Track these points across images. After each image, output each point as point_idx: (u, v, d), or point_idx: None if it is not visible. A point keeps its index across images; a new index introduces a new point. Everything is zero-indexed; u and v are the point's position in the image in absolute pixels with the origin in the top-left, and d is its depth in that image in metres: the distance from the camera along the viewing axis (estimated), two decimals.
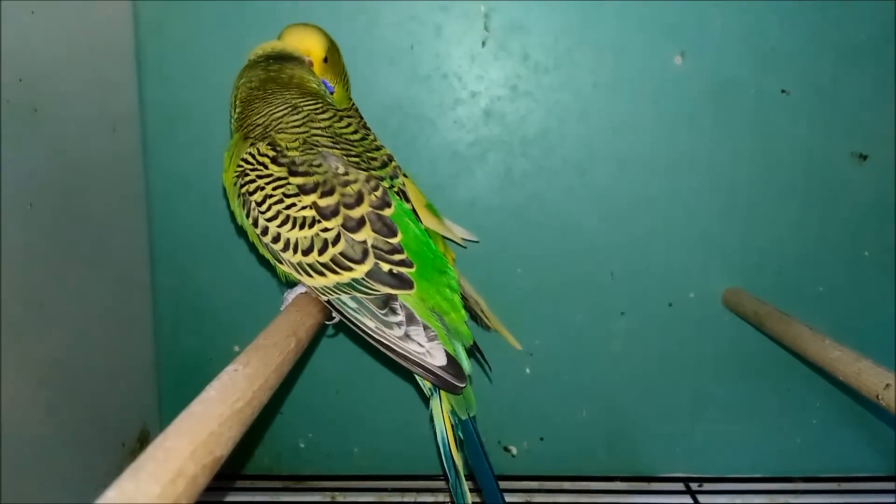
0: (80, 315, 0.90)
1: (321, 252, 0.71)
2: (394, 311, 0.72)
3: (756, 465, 1.17)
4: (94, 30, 0.95)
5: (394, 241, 0.72)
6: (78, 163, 0.89)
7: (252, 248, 0.94)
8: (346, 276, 0.71)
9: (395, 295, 0.72)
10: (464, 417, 0.77)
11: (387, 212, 0.73)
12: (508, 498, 1.10)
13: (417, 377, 0.78)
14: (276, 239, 0.73)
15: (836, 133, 1.08)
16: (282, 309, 0.76)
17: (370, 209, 0.72)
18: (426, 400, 0.83)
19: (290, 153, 0.73)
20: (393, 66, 1.07)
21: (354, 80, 0.98)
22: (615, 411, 1.16)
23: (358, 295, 0.72)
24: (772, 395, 1.15)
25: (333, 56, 0.91)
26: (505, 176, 1.10)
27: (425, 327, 0.72)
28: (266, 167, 0.73)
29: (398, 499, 1.12)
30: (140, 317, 1.09)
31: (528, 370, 1.15)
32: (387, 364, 1.12)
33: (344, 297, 0.73)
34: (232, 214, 0.81)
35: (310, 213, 0.71)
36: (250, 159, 0.74)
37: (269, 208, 0.72)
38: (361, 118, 0.97)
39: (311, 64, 0.87)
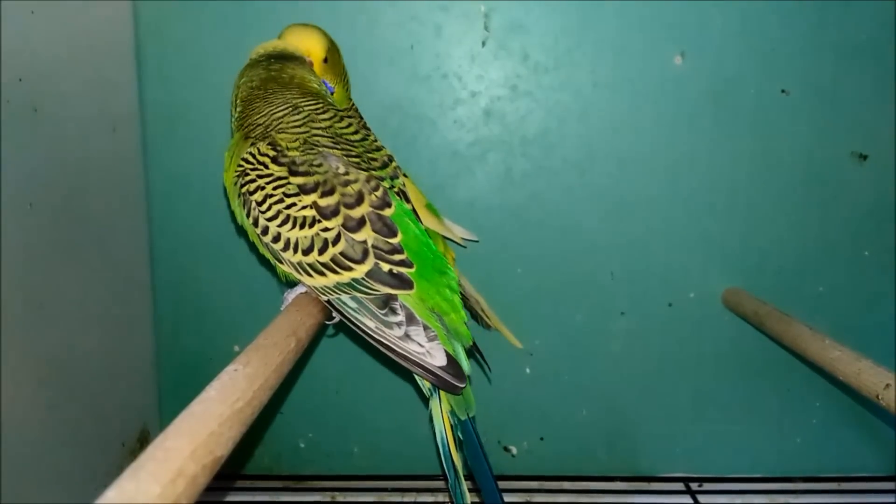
0: (80, 315, 0.90)
1: (321, 252, 0.71)
2: (394, 311, 0.72)
3: (756, 465, 1.17)
4: (94, 30, 0.95)
5: (394, 241, 0.72)
6: (78, 163, 0.89)
7: (252, 247, 0.94)
8: (346, 276, 0.71)
9: (395, 295, 0.72)
10: (463, 418, 0.77)
11: (387, 212, 0.73)
12: (508, 498, 1.10)
13: (417, 377, 0.78)
14: (277, 238, 0.73)
15: (836, 133, 1.08)
16: (282, 309, 0.76)
17: (370, 209, 0.72)
18: (426, 400, 0.83)
19: (290, 153, 0.73)
20: (393, 66, 1.07)
21: (354, 80, 0.98)
22: (615, 411, 1.16)
23: (358, 295, 0.72)
24: (772, 395, 1.15)
25: (333, 56, 0.91)
26: (505, 176, 1.10)
27: (425, 327, 0.72)
28: (266, 167, 0.73)
29: (398, 499, 1.12)
30: (140, 317, 1.09)
31: (528, 370, 1.15)
32: (387, 364, 1.12)
33: (344, 297, 0.73)
34: (232, 214, 0.82)
35: (310, 212, 0.71)
36: (251, 159, 0.74)
37: (269, 208, 0.72)
38: (361, 118, 0.97)
39: (311, 64, 0.87)
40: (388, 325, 0.71)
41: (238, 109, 0.81)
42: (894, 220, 1.10)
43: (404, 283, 0.71)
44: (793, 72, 1.07)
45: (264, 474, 1.16)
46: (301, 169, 0.72)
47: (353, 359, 1.12)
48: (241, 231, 0.88)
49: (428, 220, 0.92)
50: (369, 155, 0.78)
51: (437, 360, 0.71)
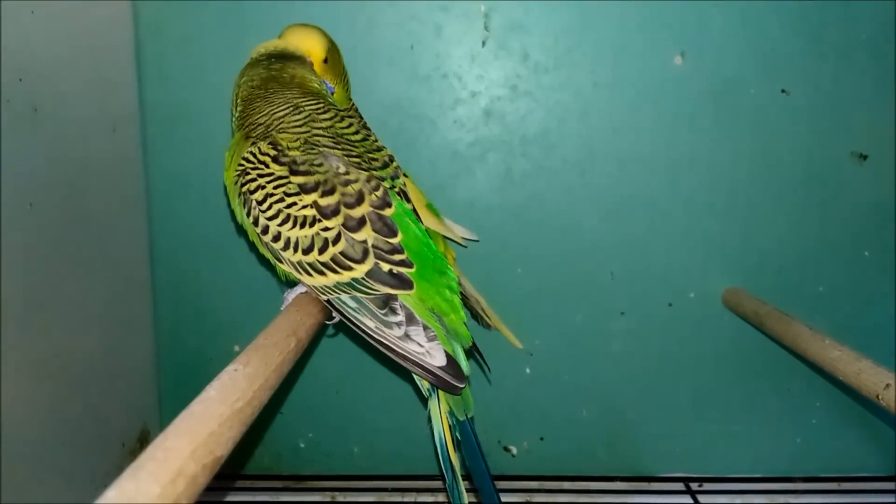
0: (80, 315, 0.90)
1: (321, 251, 0.71)
2: (393, 311, 0.72)
3: (756, 465, 1.17)
4: (94, 30, 0.95)
5: (394, 241, 0.72)
6: (78, 163, 0.89)
7: (252, 247, 0.94)
8: (346, 276, 0.71)
9: (395, 295, 0.72)
10: (461, 418, 0.77)
11: (387, 212, 0.73)
12: (508, 498, 1.10)
13: (416, 377, 0.78)
14: (277, 238, 0.73)
15: (836, 133, 1.08)
16: (282, 309, 0.76)
17: (371, 209, 0.72)
18: (425, 401, 0.83)
19: (291, 152, 0.73)
20: (393, 66, 1.07)
21: (354, 80, 0.98)
22: (615, 411, 1.15)
23: (358, 294, 0.72)
24: (772, 395, 1.15)
25: (334, 57, 0.91)
26: (505, 176, 1.10)
27: (425, 327, 0.72)
28: (267, 166, 0.73)
29: (398, 499, 1.12)
30: (140, 317, 1.09)
31: (528, 370, 1.15)
32: (387, 364, 1.12)
33: (344, 297, 0.73)
34: (232, 213, 0.82)
35: (310, 212, 0.71)
36: (251, 158, 0.74)
37: (269, 207, 0.72)
38: (362, 118, 0.97)
39: (311, 64, 0.87)
40: (388, 324, 0.71)
41: (239, 109, 0.81)
42: (894, 220, 1.10)
43: (404, 283, 0.71)
44: (793, 72, 1.07)
45: (264, 474, 1.16)
46: (302, 168, 0.72)
47: (353, 359, 1.12)
48: (241, 231, 0.88)
49: (428, 220, 0.92)
50: (370, 155, 0.78)
51: (437, 360, 0.71)
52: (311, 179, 0.71)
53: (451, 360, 0.72)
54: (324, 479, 1.16)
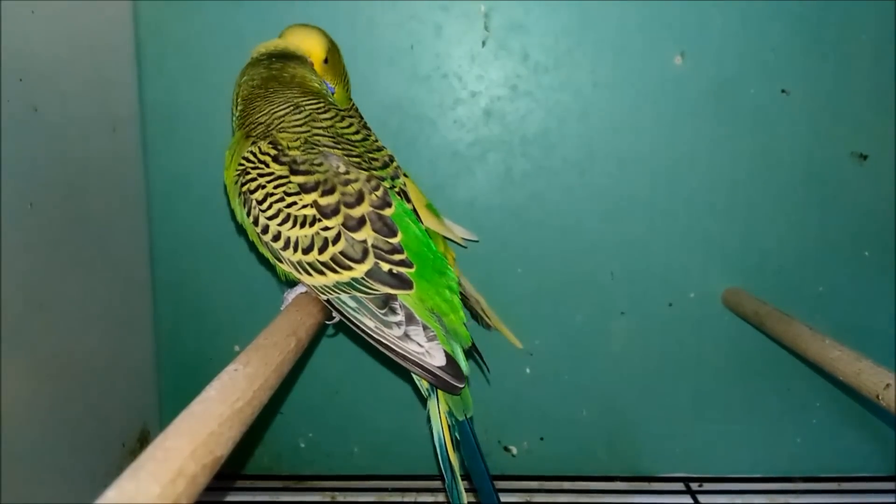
0: (80, 315, 0.90)
1: (321, 251, 0.71)
2: (393, 311, 0.72)
3: (756, 465, 1.17)
4: (94, 30, 0.95)
5: (394, 240, 0.72)
6: (78, 163, 0.89)
7: (252, 247, 0.94)
8: (345, 276, 0.71)
9: (395, 295, 0.72)
10: (461, 418, 0.77)
11: (387, 211, 0.73)
12: (508, 498, 1.10)
13: (415, 377, 0.78)
14: (277, 237, 0.73)
15: (836, 133, 1.08)
16: (282, 309, 0.76)
17: (371, 209, 0.72)
18: (424, 400, 0.83)
19: (291, 152, 0.73)
20: (393, 66, 1.07)
21: (354, 80, 0.98)
22: (615, 411, 1.15)
23: (357, 294, 0.72)
24: (772, 395, 1.15)
25: (334, 57, 0.91)
26: (505, 176, 1.10)
27: (424, 327, 0.72)
28: (267, 165, 0.73)
29: (398, 499, 1.12)
30: (140, 317, 1.09)
31: (528, 370, 1.15)
32: (386, 364, 1.12)
33: (343, 297, 0.73)
34: (232, 213, 0.82)
35: (310, 211, 0.71)
36: (251, 158, 0.74)
37: (269, 206, 0.72)
38: (362, 118, 0.97)
39: (311, 64, 0.87)
40: (388, 324, 0.71)
41: (239, 108, 0.81)
42: (894, 220, 1.10)
43: (404, 282, 0.71)
44: (793, 72, 1.07)
45: (264, 474, 1.16)
46: (302, 168, 0.72)
47: (353, 359, 1.12)
48: (241, 230, 0.88)
49: (428, 220, 0.92)
50: (370, 155, 0.78)
51: (436, 360, 0.71)
52: (311, 179, 0.71)
53: (451, 360, 0.72)
54: (324, 479, 1.16)
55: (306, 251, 0.71)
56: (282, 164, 0.72)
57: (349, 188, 0.72)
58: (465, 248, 1.09)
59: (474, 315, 1.03)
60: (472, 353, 0.83)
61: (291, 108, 0.77)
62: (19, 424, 0.75)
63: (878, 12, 1.05)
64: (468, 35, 1.07)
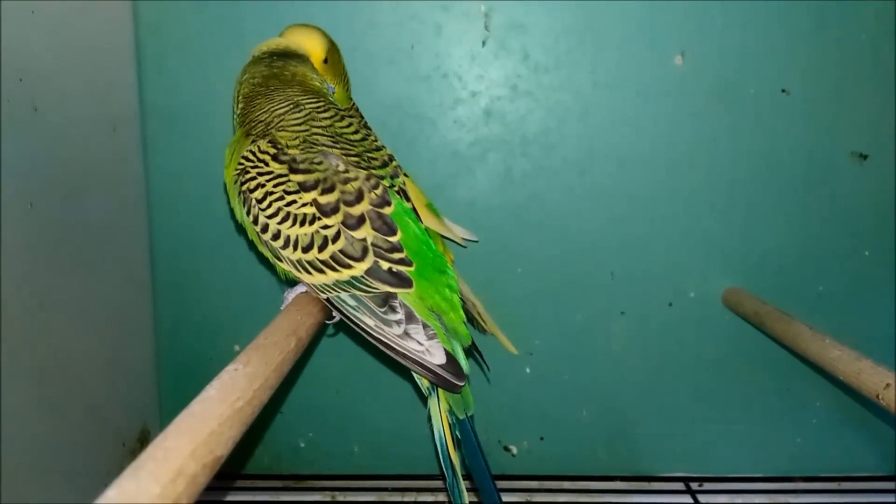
0: (80, 315, 0.90)
1: (321, 249, 0.71)
2: (393, 310, 0.72)
3: (756, 465, 1.16)
4: (94, 30, 0.95)
5: (393, 239, 0.72)
6: (78, 163, 0.89)
7: (252, 246, 0.94)
8: (345, 274, 0.71)
9: (395, 293, 0.72)
10: (461, 417, 0.77)
11: (387, 210, 0.73)
12: (509, 497, 1.10)
13: (416, 376, 0.78)
14: (276, 236, 0.73)
15: (836, 133, 1.08)
16: (282, 308, 0.76)
17: (370, 207, 0.72)
18: (425, 399, 0.83)
19: (290, 151, 0.73)
20: (393, 66, 1.07)
21: (354, 80, 0.98)
22: (615, 411, 1.15)
23: (357, 293, 0.72)
24: (772, 395, 1.15)
25: (334, 57, 0.91)
26: (505, 176, 1.10)
27: (424, 326, 0.72)
28: (267, 164, 0.73)
29: (398, 498, 1.12)
30: (140, 317, 1.09)
31: (528, 370, 1.15)
32: (387, 363, 1.12)
33: (343, 295, 0.73)
34: (232, 212, 0.82)
35: (310, 210, 0.71)
36: (251, 157, 0.74)
37: (269, 205, 0.72)
38: (362, 118, 0.97)
39: (312, 63, 0.87)
40: (388, 323, 0.71)
41: (240, 106, 0.81)
42: (894, 220, 1.10)
43: (403, 281, 0.71)
44: (793, 72, 1.07)
45: (264, 474, 1.16)
46: (301, 167, 0.72)
47: (353, 358, 1.12)
48: (241, 230, 0.88)
49: (428, 220, 0.92)
50: (369, 154, 0.78)
51: (436, 358, 0.71)
52: (310, 177, 0.71)
53: (451, 359, 0.72)
54: (324, 478, 1.16)
55: (306, 250, 0.71)
56: (281, 162, 0.72)
57: (349, 186, 0.72)
58: (465, 247, 1.09)
59: (470, 319, 1.03)
60: (472, 351, 0.83)
61: (291, 106, 0.77)
62: (19, 424, 0.75)
63: (878, 12, 1.05)
64: (468, 35, 1.07)
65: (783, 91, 1.07)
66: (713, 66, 1.06)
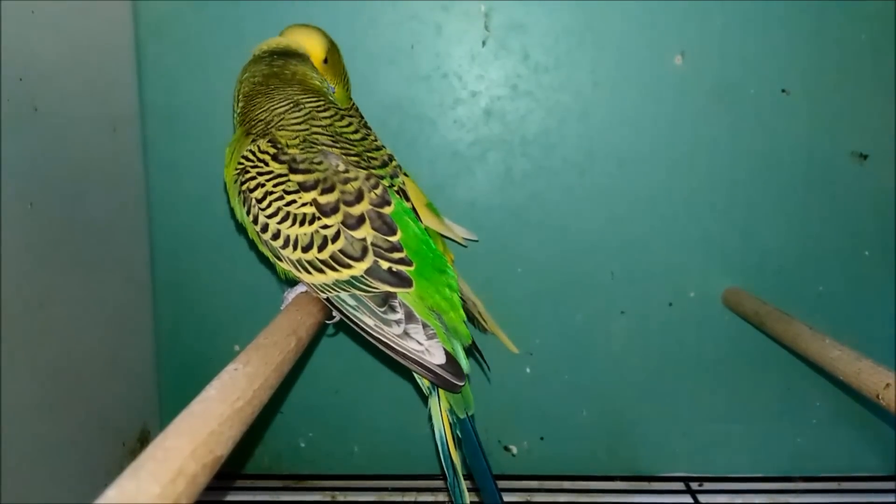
0: (80, 315, 0.90)
1: (321, 249, 0.71)
2: (393, 309, 0.72)
3: (756, 465, 1.16)
4: (94, 30, 0.95)
5: (393, 239, 0.72)
6: (78, 163, 0.89)
7: (252, 246, 0.95)
8: (345, 274, 0.71)
9: (395, 293, 0.72)
10: (462, 416, 0.77)
11: (386, 210, 0.73)
12: (509, 497, 1.10)
13: (416, 376, 0.78)
14: (276, 236, 0.73)
15: (836, 133, 1.08)
16: (282, 308, 0.76)
17: (370, 207, 0.72)
18: (425, 399, 0.83)
19: (290, 150, 0.73)
20: (393, 66, 1.07)
21: (354, 80, 0.98)
22: (615, 411, 1.15)
23: (357, 293, 0.72)
24: (772, 395, 1.15)
25: (333, 57, 0.91)
26: (505, 176, 1.10)
27: (424, 325, 0.72)
28: (267, 164, 0.73)
29: (398, 498, 1.12)
30: (140, 317, 1.09)
31: (528, 370, 1.15)
32: (387, 363, 1.12)
33: (343, 295, 0.73)
34: (232, 211, 0.82)
35: (310, 209, 0.71)
36: (251, 156, 0.74)
37: (269, 205, 0.72)
38: (362, 118, 0.97)
39: (312, 62, 0.87)
40: (388, 322, 0.71)
41: (240, 104, 0.81)
42: (894, 220, 1.10)
43: (403, 281, 0.71)
44: (793, 72, 1.07)
45: (264, 474, 1.16)
46: (301, 166, 0.72)
47: (353, 358, 1.12)
48: (241, 229, 0.88)
49: (428, 220, 0.92)
50: (369, 154, 0.78)
51: (436, 358, 0.71)
52: (310, 177, 0.71)
53: (451, 358, 0.72)
54: (324, 478, 1.16)
55: (306, 249, 0.71)
56: (281, 162, 0.72)
57: (348, 186, 0.72)
58: (465, 247, 1.09)
59: (471, 318, 1.03)
60: (472, 351, 0.83)
61: (291, 105, 0.77)
62: (19, 424, 0.75)
63: (878, 12, 1.05)
64: (468, 35, 1.07)
65: (783, 91, 1.07)
66: (713, 66, 1.06)
